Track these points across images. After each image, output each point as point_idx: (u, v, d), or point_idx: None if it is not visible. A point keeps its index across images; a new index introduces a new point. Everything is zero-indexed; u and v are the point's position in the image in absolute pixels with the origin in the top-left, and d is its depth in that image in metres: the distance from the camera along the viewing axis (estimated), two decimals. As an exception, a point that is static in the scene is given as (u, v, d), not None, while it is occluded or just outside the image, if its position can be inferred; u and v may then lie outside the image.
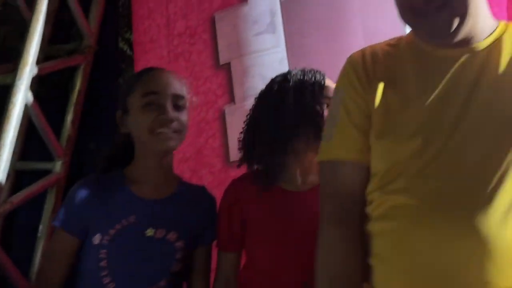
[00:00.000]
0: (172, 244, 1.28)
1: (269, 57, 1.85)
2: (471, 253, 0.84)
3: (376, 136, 0.97)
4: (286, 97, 1.32)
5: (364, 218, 0.99)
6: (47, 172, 2.48)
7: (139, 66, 2.29)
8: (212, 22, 1.98)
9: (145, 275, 1.25)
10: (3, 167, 1.98)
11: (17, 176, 2.61)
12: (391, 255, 0.91)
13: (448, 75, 0.94)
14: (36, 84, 2.46)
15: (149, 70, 1.39)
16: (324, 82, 1.35)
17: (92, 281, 1.24)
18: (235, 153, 1.83)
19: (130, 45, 2.63)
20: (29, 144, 2.65)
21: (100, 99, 2.69)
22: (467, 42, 0.96)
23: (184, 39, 2.04)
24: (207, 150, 1.91)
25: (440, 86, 0.94)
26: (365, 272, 0.96)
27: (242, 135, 1.42)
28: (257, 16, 1.89)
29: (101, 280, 1.23)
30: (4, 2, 2.74)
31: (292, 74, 1.37)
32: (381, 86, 0.98)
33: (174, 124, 1.27)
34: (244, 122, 1.43)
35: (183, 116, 1.31)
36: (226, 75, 1.92)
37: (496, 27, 0.99)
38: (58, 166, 2.47)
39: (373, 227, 0.96)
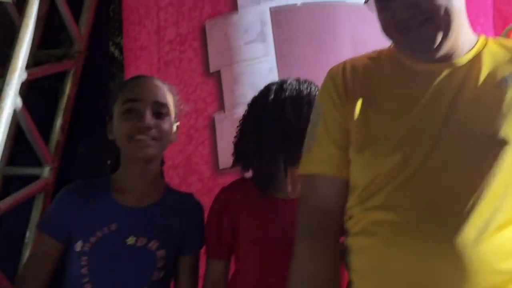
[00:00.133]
0: (154, 253, 1.27)
1: (259, 66, 1.86)
2: (447, 272, 0.84)
3: (356, 151, 0.97)
4: (284, 106, 1.32)
5: (339, 232, 1.00)
6: (35, 177, 2.46)
7: (129, 72, 2.29)
8: (203, 30, 1.99)
9: (126, 283, 1.25)
10: (-10, 172, 1.97)
11: (5, 181, 2.60)
12: (368, 272, 0.92)
13: (429, 91, 0.95)
14: (26, 89, 2.44)
15: (134, 78, 1.41)
16: None
17: None
18: (224, 161, 1.84)
19: (121, 50, 2.63)
20: (17, 149, 2.63)
21: (90, 103, 2.69)
22: (448, 57, 0.96)
23: (174, 46, 2.04)
24: (196, 158, 1.91)
25: (420, 102, 0.94)
26: (338, 286, 0.98)
27: (235, 141, 1.42)
28: (248, 25, 1.90)
29: (82, 287, 1.23)
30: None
31: (287, 83, 1.37)
32: (360, 101, 0.99)
33: (153, 132, 1.27)
34: (237, 127, 1.43)
35: (165, 124, 1.30)
36: (216, 83, 1.92)
37: (476, 42, 0.99)
38: (46, 172, 2.46)
39: (352, 242, 0.97)
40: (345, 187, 1.00)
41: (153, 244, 1.27)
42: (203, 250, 1.39)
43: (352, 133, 0.98)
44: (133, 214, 1.29)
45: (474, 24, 2.22)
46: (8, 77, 2.13)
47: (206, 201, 1.42)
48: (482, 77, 0.94)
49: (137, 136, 1.26)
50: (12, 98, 2.11)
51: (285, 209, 1.32)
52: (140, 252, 1.26)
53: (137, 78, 1.40)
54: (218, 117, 1.91)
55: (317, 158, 1.02)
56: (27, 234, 2.39)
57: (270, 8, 1.89)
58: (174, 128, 1.38)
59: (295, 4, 1.89)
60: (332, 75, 1.06)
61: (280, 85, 1.38)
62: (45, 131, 2.50)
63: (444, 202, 0.86)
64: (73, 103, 2.66)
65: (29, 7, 2.26)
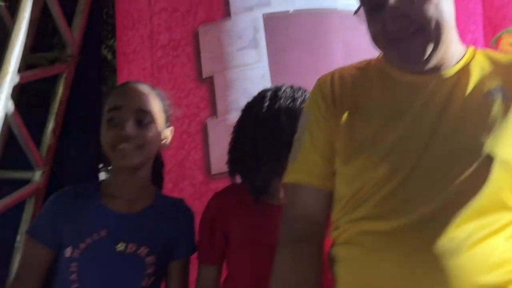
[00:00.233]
0: (143, 259, 1.27)
1: (251, 72, 1.87)
2: (428, 283, 0.84)
3: (342, 162, 0.97)
4: (279, 116, 1.32)
5: (321, 241, 1.00)
6: (26, 181, 2.45)
7: (122, 76, 2.29)
8: (196, 36, 2.00)
9: None
10: (-19, 177, 1.96)
11: (-4, 185, 2.59)
12: (351, 282, 0.92)
13: (417, 102, 0.95)
14: (17, 93, 2.44)
15: (120, 85, 1.40)
16: None
17: None
18: (216, 166, 1.84)
19: (114, 53, 2.63)
20: (9, 153, 2.62)
21: (83, 105, 2.68)
22: (437, 69, 0.96)
23: (167, 51, 2.05)
24: (188, 163, 1.92)
25: (408, 113, 0.94)
26: None
27: (229, 149, 1.42)
28: (240, 31, 1.92)
29: None
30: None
31: (282, 91, 1.37)
32: (347, 112, 0.99)
33: (135, 141, 1.26)
34: (231, 134, 1.43)
35: (149, 132, 1.29)
36: (209, 89, 1.93)
37: (465, 53, 1.00)
38: (37, 176, 2.45)
39: (337, 252, 0.97)
40: (329, 198, 1.00)
41: (143, 250, 1.27)
42: (194, 255, 1.39)
43: (339, 144, 0.98)
44: (123, 220, 1.28)
45: (465, 31, 2.25)
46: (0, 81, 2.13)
47: (199, 206, 1.42)
48: (469, 89, 0.94)
49: (119, 146, 1.25)
50: (4, 102, 2.11)
51: (278, 215, 1.32)
52: (129, 259, 1.26)
53: (122, 86, 1.39)
54: (210, 122, 1.91)
55: (302, 167, 1.02)
56: (18, 238, 2.38)
57: (263, 15, 1.90)
58: (168, 132, 1.38)
59: (288, 11, 1.91)
60: (320, 84, 1.06)
61: (275, 93, 1.38)
62: (37, 135, 2.49)
63: (428, 213, 0.87)
64: (65, 107, 2.65)
65: (22, 10, 2.26)
